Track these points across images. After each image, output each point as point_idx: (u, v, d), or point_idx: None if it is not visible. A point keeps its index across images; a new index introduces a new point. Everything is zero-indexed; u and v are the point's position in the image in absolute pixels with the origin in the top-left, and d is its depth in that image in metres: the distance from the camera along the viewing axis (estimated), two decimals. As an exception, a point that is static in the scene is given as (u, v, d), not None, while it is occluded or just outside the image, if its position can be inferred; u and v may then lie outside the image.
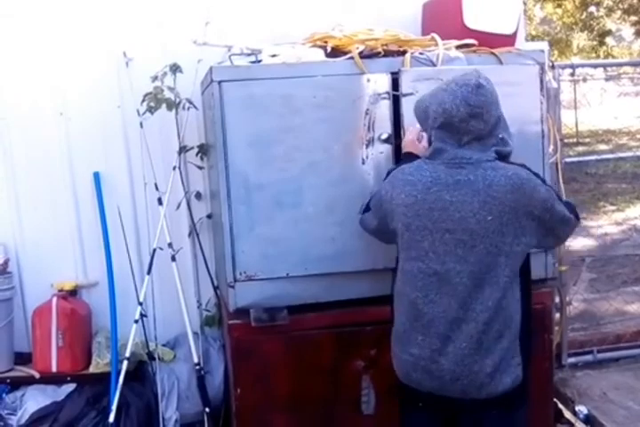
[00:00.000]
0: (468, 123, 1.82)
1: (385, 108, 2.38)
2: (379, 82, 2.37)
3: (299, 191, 2.38)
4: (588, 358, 3.18)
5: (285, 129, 2.34)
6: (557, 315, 3.26)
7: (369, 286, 2.45)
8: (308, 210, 2.39)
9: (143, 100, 2.78)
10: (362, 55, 2.42)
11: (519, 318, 1.89)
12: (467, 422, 1.92)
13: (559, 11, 14.56)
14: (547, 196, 1.88)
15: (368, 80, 2.36)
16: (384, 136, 2.39)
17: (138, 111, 2.84)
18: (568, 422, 2.84)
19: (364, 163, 2.40)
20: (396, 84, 2.39)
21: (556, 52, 13.44)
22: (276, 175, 2.36)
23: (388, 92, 2.37)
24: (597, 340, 3.40)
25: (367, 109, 2.37)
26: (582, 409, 2.72)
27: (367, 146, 2.39)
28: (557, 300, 3.21)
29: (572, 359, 3.15)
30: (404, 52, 2.48)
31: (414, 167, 1.92)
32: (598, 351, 3.23)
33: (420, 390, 1.92)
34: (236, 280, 2.39)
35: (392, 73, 2.39)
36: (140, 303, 2.79)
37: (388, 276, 2.40)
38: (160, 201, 2.88)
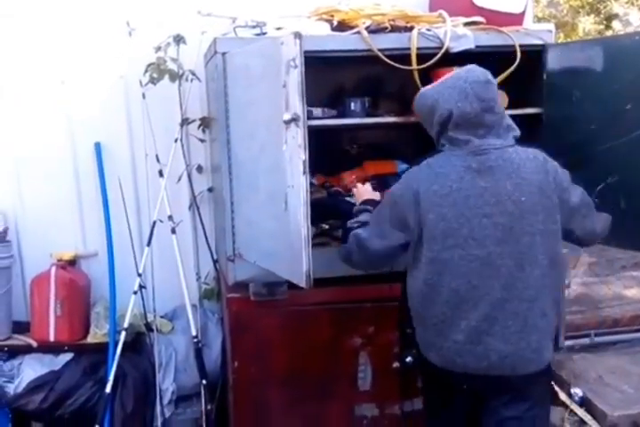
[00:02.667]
0: (483, 117, 1.91)
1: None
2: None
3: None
4: (585, 341, 3.19)
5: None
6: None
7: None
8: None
9: (146, 71, 2.75)
10: (368, 30, 2.39)
11: (559, 295, 2.00)
12: (503, 400, 1.97)
13: (566, -7, 14.40)
14: (565, 176, 1.98)
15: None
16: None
17: (140, 82, 2.80)
18: (563, 403, 2.85)
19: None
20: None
21: (561, 35, 13.31)
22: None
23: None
24: (595, 323, 3.41)
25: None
26: (577, 392, 2.72)
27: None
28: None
29: (569, 342, 3.16)
30: (411, 28, 2.44)
31: (442, 160, 1.96)
32: (595, 335, 3.24)
33: (465, 373, 1.94)
34: (235, 254, 2.38)
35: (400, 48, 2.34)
36: (140, 275, 2.79)
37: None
38: (161, 173, 2.87)
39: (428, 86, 2.03)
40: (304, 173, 1.88)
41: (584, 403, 2.70)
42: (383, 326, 2.46)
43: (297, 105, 1.87)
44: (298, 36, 1.86)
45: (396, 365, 2.48)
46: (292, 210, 1.94)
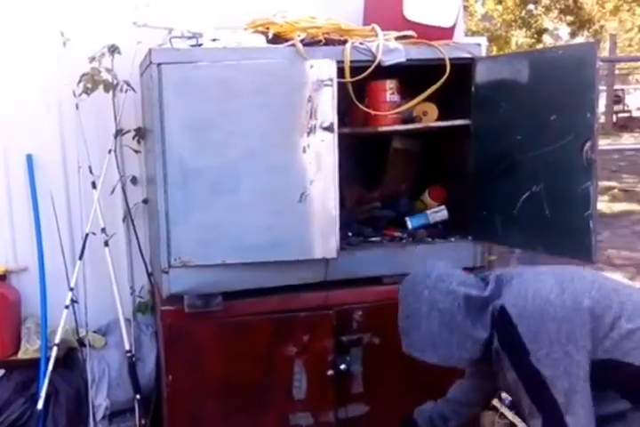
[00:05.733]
0: None
1: (328, 95, 2.35)
2: (323, 68, 2.35)
3: (236, 178, 2.35)
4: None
5: (224, 114, 2.32)
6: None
7: (304, 274, 2.47)
8: (244, 197, 2.36)
9: (80, 81, 2.72)
10: (303, 43, 2.42)
11: None
12: None
13: (500, 7, 14.88)
14: None
15: (311, 66, 2.35)
16: (326, 124, 2.38)
17: (74, 92, 2.77)
18: (494, 407, 2.93)
19: (304, 151, 2.37)
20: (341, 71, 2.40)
21: (495, 48, 13.71)
22: (214, 161, 2.33)
23: (331, 79, 2.36)
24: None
25: (310, 96, 2.35)
26: (507, 396, 2.81)
27: (309, 134, 2.37)
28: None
29: (499, 347, 3.23)
30: (344, 42, 2.49)
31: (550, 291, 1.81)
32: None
33: None
34: (170, 266, 2.36)
35: (338, 61, 2.38)
36: (71, 289, 2.74)
37: (324, 264, 2.45)
38: (94, 185, 2.83)
39: None
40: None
41: (513, 406, 2.77)
42: (318, 335, 2.48)
43: (331, 115, 2.35)
44: (334, 61, 2.34)
45: (330, 372, 2.49)
46: (317, 200, 2.36)
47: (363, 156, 2.99)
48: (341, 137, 2.48)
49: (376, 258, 2.60)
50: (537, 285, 1.82)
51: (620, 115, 20.92)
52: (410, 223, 2.80)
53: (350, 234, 2.72)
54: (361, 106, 2.57)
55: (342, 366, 2.51)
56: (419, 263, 2.54)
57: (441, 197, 2.85)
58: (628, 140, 16.62)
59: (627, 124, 19.94)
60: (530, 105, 2.38)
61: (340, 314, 2.52)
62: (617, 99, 20.85)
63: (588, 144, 2.17)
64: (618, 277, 5.35)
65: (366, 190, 2.95)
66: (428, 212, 2.83)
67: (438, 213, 2.82)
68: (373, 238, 2.73)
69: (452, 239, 2.70)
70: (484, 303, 1.85)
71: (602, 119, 18.61)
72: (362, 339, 2.55)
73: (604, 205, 8.07)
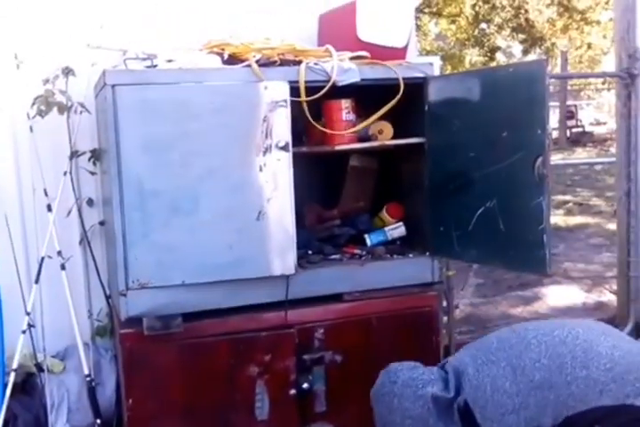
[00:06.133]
0: None
1: (283, 115, 2.40)
2: (276, 89, 2.40)
3: (195, 198, 2.36)
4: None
5: (182, 134, 2.32)
6: (445, 318, 3.39)
7: (265, 293, 2.48)
8: (204, 217, 2.37)
9: (33, 104, 2.69)
10: (259, 63, 2.44)
11: None
12: None
13: (453, 27, 15.14)
14: None
15: (266, 88, 2.38)
16: (281, 143, 2.41)
17: (28, 115, 2.75)
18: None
19: (261, 170, 2.40)
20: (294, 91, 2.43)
21: (449, 67, 13.93)
22: (172, 181, 2.33)
23: (285, 100, 2.40)
24: (484, 342, 3.53)
25: (265, 117, 2.39)
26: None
27: (265, 153, 2.40)
28: (445, 304, 3.35)
29: (460, 361, 3.26)
30: (299, 62, 2.52)
31: None
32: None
33: None
34: (128, 288, 2.34)
35: (289, 81, 2.42)
36: (28, 313, 2.69)
37: (284, 281, 2.45)
38: (49, 208, 2.80)
39: None
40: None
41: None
42: (279, 354, 2.48)
43: (286, 134, 2.39)
44: (287, 81, 2.40)
45: (292, 392, 2.49)
46: (274, 218, 2.39)
47: (321, 174, 3.02)
48: (300, 156, 2.52)
49: (336, 275, 2.61)
50: (492, 372, 1.91)
51: (574, 130, 21.38)
52: (369, 240, 2.83)
53: (310, 252, 2.73)
54: (317, 125, 2.59)
55: (305, 385, 2.51)
56: (377, 280, 2.62)
57: (398, 213, 2.88)
58: (581, 155, 16.98)
59: (580, 139, 20.38)
60: (482, 122, 2.43)
61: (302, 332, 2.52)
62: (570, 114, 21.31)
63: (539, 160, 2.22)
64: (575, 289, 5.46)
65: (326, 208, 2.97)
66: (387, 228, 2.86)
67: (396, 230, 2.85)
68: (333, 256, 2.74)
69: (411, 255, 2.73)
70: (451, 402, 1.96)
71: (555, 134, 19.00)
72: (324, 357, 2.55)
73: (559, 218, 8.22)
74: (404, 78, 2.57)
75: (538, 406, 1.83)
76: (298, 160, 2.48)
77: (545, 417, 1.82)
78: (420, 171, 2.70)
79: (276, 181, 2.41)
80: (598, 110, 26.86)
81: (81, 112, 2.76)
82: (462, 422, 1.94)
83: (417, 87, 2.61)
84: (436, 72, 2.75)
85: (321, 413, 2.56)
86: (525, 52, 15.85)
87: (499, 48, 16.25)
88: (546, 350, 1.89)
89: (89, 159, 2.89)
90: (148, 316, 2.36)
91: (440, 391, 1.98)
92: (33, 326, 2.71)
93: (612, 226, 5.93)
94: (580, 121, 22.42)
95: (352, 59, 2.60)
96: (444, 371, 2.06)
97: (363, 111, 2.69)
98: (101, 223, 2.96)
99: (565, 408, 1.79)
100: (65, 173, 2.81)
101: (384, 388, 2.09)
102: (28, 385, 2.81)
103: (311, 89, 2.48)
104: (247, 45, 2.53)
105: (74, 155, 2.85)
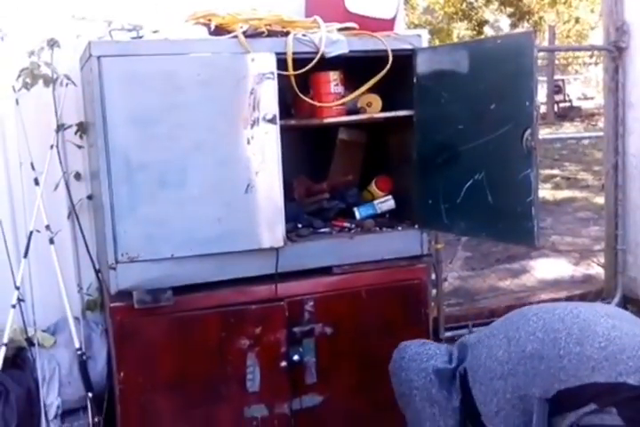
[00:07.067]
0: None
1: (270, 87, 2.39)
2: (263, 61, 2.38)
3: (183, 171, 2.35)
4: (464, 331, 3.35)
5: (169, 107, 2.30)
6: (434, 291, 3.42)
7: (255, 266, 2.48)
8: (192, 190, 2.37)
9: (19, 76, 2.66)
10: (245, 35, 2.41)
11: None
12: None
13: (441, 0, 15.04)
14: None
15: (253, 60, 2.36)
16: (269, 116, 2.40)
17: (13, 87, 2.71)
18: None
19: (249, 143, 2.39)
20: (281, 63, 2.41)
21: (437, 41, 13.87)
22: (160, 154, 2.32)
23: (272, 72, 2.38)
24: (473, 314, 3.59)
25: (252, 89, 2.37)
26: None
27: (252, 126, 2.39)
28: (434, 276, 3.37)
29: (448, 333, 3.31)
30: (287, 33, 2.49)
31: None
32: (473, 325, 3.41)
33: None
34: (117, 262, 2.34)
35: (277, 53, 2.40)
36: (17, 288, 2.68)
37: (273, 255, 2.46)
38: (37, 181, 2.78)
39: None
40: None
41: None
42: (270, 327, 2.49)
43: (273, 107, 2.38)
44: (274, 53, 2.38)
45: (283, 364, 2.51)
46: (263, 191, 2.40)
47: (310, 148, 3.01)
48: (288, 129, 2.51)
49: (325, 249, 2.62)
50: (491, 342, 2.01)
51: (561, 104, 21.38)
52: (358, 213, 2.83)
53: (300, 226, 2.73)
54: (305, 98, 2.58)
55: (295, 357, 2.53)
56: (366, 253, 2.62)
57: (387, 186, 2.89)
58: (569, 129, 17.01)
59: (567, 114, 20.39)
60: (470, 95, 2.42)
61: (292, 305, 2.53)
62: (557, 89, 21.29)
63: (527, 132, 2.22)
64: (563, 262, 5.51)
65: (315, 182, 2.96)
66: (376, 202, 2.86)
67: (385, 203, 2.85)
68: (322, 229, 2.74)
69: (400, 228, 2.74)
70: (453, 373, 2.06)
71: (543, 109, 18.99)
72: (314, 329, 2.57)
73: (546, 192, 8.26)
74: (392, 50, 2.55)
75: (526, 375, 1.87)
76: (286, 133, 2.47)
77: (533, 387, 1.86)
78: (409, 144, 2.69)
79: (263, 153, 2.40)
80: (586, 85, 26.83)
81: (67, 84, 2.73)
82: (461, 387, 2.04)
83: (405, 59, 2.59)
84: (425, 45, 2.72)
85: (311, 384, 2.58)
86: (513, 25, 15.80)
87: (486, 22, 16.19)
88: (543, 326, 1.93)
89: (75, 132, 2.86)
90: (137, 289, 2.36)
91: (442, 364, 2.11)
92: (23, 300, 2.70)
93: (600, 200, 5.97)
94: (568, 95, 22.40)
95: (340, 30, 2.57)
96: (453, 346, 2.18)
97: (351, 84, 2.67)
98: (89, 197, 2.94)
99: (557, 381, 1.83)
100: (52, 147, 2.79)
101: (395, 363, 2.24)
102: (19, 359, 2.81)
103: (299, 61, 2.46)
104: (234, 16, 2.49)
105: (60, 128, 2.82)
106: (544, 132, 13.64)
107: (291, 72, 2.45)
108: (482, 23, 15.73)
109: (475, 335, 2.16)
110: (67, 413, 2.82)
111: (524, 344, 1.91)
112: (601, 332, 1.86)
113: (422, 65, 2.59)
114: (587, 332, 1.87)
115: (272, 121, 2.40)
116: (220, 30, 2.47)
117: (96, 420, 2.70)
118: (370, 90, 2.66)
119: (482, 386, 1.96)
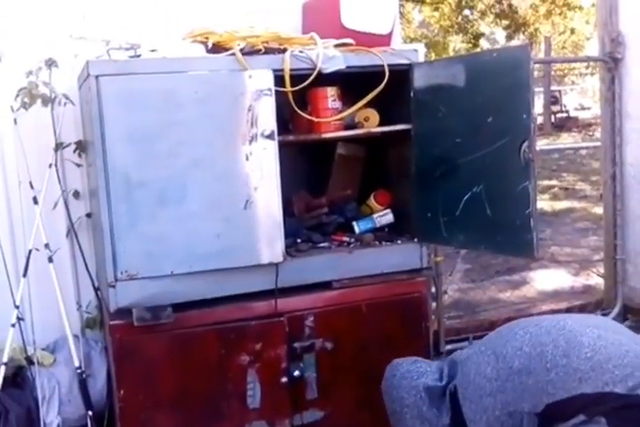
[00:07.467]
0: None
1: (268, 104, 2.40)
2: (261, 78, 2.39)
3: (182, 188, 2.36)
4: (465, 344, 3.33)
5: (167, 125, 2.32)
6: (434, 304, 3.41)
7: (254, 281, 2.48)
8: (192, 207, 2.37)
9: (17, 96, 2.67)
10: (243, 52, 2.43)
11: None
12: None
13: (436, 14, 15.13)
14: None
15: (250, 77, 2.38)
16: (267, 132, 2.41)
17: (12, 107, 2.72)
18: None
19: (247, 159, 2.40)
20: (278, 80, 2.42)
21: (433, 54, 13.93)
22: (159, 172, 2.33)
23: (270, 89, 2.39)
24: (473, 327, 3.59)
25: (250, 105, 2.38)
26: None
27: (250, 142, 2.40)
28: (434, 289, 3.37)
29: (449, 346, 3.30)
30: (284, 50, 2.51)
31: None
32: (474, 338, 3.40)
33: None
34: (117, 280, 2.34)
35: (274, 70, 2.42)
36: (17, 307, 2.68)
37: (273, 270, 2.46)
38: (35, 200, 2.78)
39: None
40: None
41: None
42: (270, 343, 2.48)
43: (271, 123, 2.39)
44: (271, 70, 2.40)
45: (284, 380, 2.50)
46: (262, 206, 2.41)
47: (309, 163, 3.02)
48: (286, 144, 2.52)
49: (325, 263, 2.62)
50: (479, 359, 2.01)
51: (558, 115, 21.44)
52: (357, 228, 2.84)
53: (299, 241, 2.73)
54: (303, 113, 2.59)
55: (296, 373, 2.52)
56: (366, 267, 2.62)
57: (386, 200, 2.89)
58: (566, 140, 17.05)
59: (564, 124, 20.44)
60: (467, 108, 2.43)
61: (292, 321, 2.53)
62: (554, 99, 21.36)
63: (525, 144, 2.23)
64: (562, 273, 5.50)
65: (314, 197, 2.97)
66: (375, 216, 2.86)
67: (384, 217, 2.86)
68: (322, 244, 2.75)
69: (399, 242, 2.75)
70: (443, 390, 2.07)
71: (540, 120, 19.05)
72: (314, 345, 2.56)
73: (545, 203, 8.26)
74: (389, 65, 2.57)
75: (515, 391, 1.87)
76: (285, 149, 2.48)
77: (522, 402, 1.86)
78: (407, 158, 2.70)
79: (262, 169, 2.41)
80: (582, 95, 26.92)
81: (65, 104, 2.73)
82: (451, 404, 2.03)
83: (402, 74, 2.61)
84: (421, 59, 2.74)
85: (312, 400, 2.58)
86: (509, 37, 15.87)
87: (482, 34, 16.27)
88: (529, 340, 1.93)
89: (74, 151, 2.86)
90: (137, 307, 2.35)
91: (432, 381, 2.11)
92: (22, 319, 2.70)
93: (598, 210, 5.97)
94: (565, 106, 22.47)
95: (337, 46, 2.59)
96: (443, 363, 2.18)
97: (348, 99, 2.69)
98: (88, 215, 2.94)
99: (545, 395, 1.82)
100: (50, 166, 2.79)
101: (387, 381, 2.26)
102: (18, 378, 2.80)
103: (296, 77, 2.47)
104: (231, 34, 2.51)
105: (59, 147, 2.83)
106: (541, 143, 13.67)
107: (288, 88, 2.47)
108: (478, 36, 15.80)
109: (465, 352, 2.15)
110: (67, 431, 2.81)
111: (512, 360, 1.91)
112: (587, 342, 1.86)
113: (419, 79, 2.60)
114: (573, 343, 1.87)
115: (270, 137, 2.41)
116: (217, 48, 2.49)
117: (97, 438, 2.68)
118: (367, 105, 2.67)
119: (472, 404, 1.96)
